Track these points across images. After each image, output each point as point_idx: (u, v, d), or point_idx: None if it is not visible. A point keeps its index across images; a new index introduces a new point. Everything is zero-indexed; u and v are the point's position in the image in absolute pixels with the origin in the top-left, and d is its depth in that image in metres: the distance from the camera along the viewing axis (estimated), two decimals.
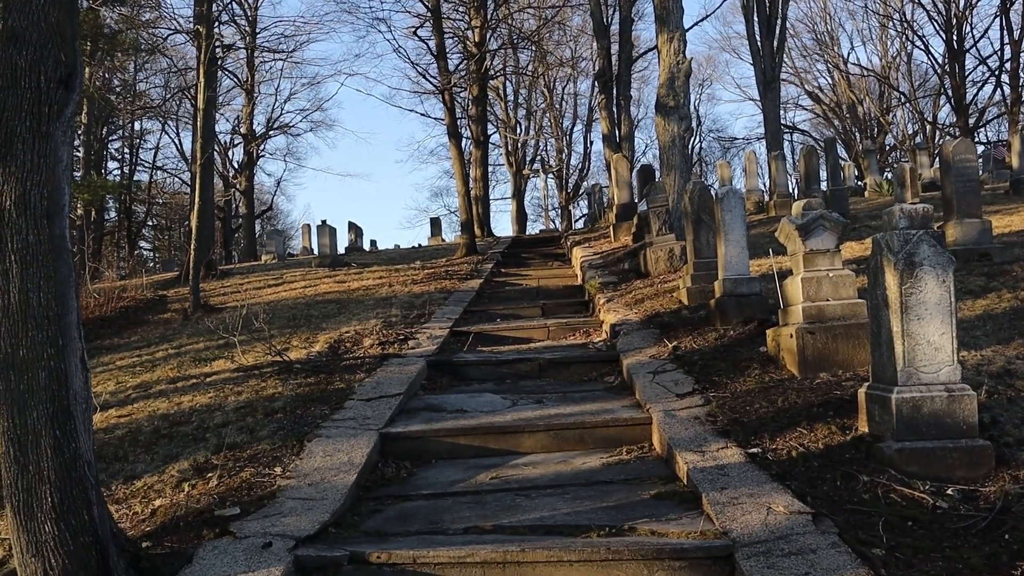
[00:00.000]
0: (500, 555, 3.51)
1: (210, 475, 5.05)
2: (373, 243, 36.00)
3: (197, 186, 15.31)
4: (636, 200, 17.55)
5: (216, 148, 42.44)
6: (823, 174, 21.06)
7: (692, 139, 13.12)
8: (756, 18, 29.72)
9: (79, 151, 30.09)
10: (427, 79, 22.79)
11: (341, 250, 29.87)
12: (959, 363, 4.56)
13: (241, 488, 4.76)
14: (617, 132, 22.22)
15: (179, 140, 42.37)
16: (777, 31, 30.24)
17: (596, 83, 22.41)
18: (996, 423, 4.80)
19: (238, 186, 40.00)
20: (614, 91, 22.24)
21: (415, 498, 4.72)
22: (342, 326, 10.52)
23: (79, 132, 28.50)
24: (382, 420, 5.88)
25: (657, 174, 15.42)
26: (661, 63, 13.74)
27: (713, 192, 8.38)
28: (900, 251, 4.54)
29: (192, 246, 15.15)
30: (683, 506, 4.24)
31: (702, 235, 9.43)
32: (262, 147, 44.25)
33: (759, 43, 29.85)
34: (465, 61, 23.89)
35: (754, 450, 4.73)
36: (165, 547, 3.86)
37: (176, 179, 44.39)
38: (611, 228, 17.21)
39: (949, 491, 4.13)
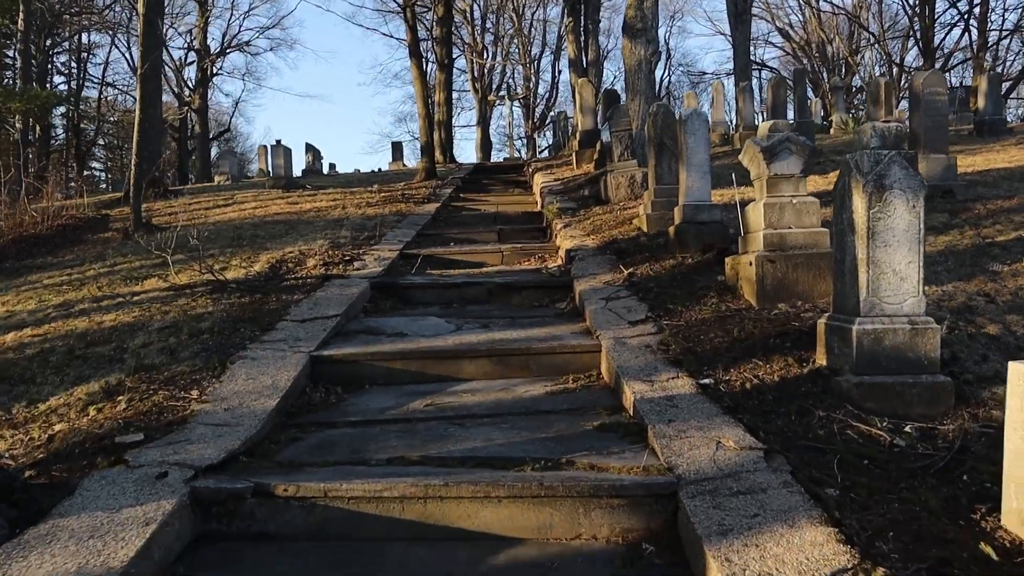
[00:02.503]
0: (421, 489, 3.18)
1: (120, 398, 4.65)
2: (332, 167, 35.12)
3: (138, 98, 14.46)
4: (600, 127, 17.05)
5: (168, 64, 40.84)
6: (791, 109, 20.71)
7: (661, 71, 12.59)
8: None
9: (15, 60, 28.63)
10: None
11: (298, 173, 29.05)
12: (924, 296, 4.28)
13: (151, 413, 4.37)
14: (584, 58, 21.54)
15: (130, 54, 40.51)
16: None
17: (564, 5, 21.59)
18: (956, 359, 4.57)
19: (191, 105, 38.56)
20: (582, 14, 21.48)
21: (340, 425, 4.37)
22: (287, 247, 10.05)
23: (15, 40, 27.06)
24: (315, 342, 5.50)
25: (622, 99, 14.91)
26: None
27: (677, 114, 7.97)
28: (870, 172, 4.20)
29: (133, 162, 14.41)
30: (627, 439, 3.93)
31: (664, 161, 9.04)
32: (219, 65, 42.70)
33: None
34: None
35: (706, 381, 4.43)
36: (53, 477, 3.48)
37: (128, 96, 42.48)
38: (574, 155, 16.75)
39: (907, 428, 3.88)
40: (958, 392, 4.15)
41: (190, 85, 40.21)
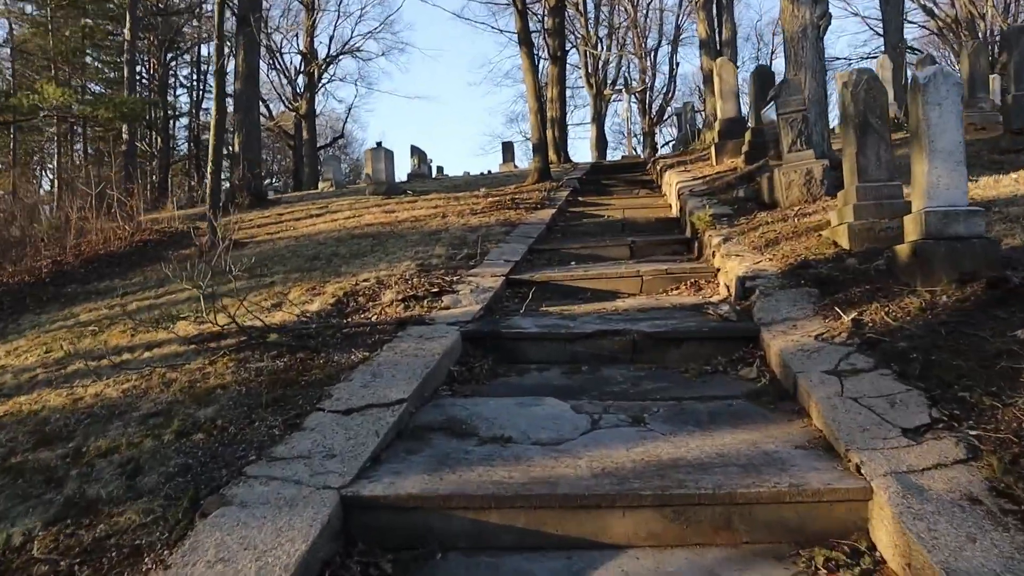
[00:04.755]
0: None
1: None
2: (440, 169, 33.40)
3: (214, 96, 12.76)
4: (743, 115, 14.38)
5: (280, 69, 40.13)
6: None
7: (822, 32, 9.92)
8: None
9: (119, 70, 28.09)
10: None
11: (403, 176, 27.36)
12: None
13: None
14: (718, 37, 18.79)
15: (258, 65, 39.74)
16: None
17: None
18: None
19: (299, 110, 37.57)
20: None
21: None
22: (365, 271, 7.97)
23: (123, 48, 26.34)
24: (357, 463, 3.26)
25: (777, 78, 12.26)
26: None
27: (913, 76, 5.36)
28: None
29: (209, 170, 12.74)
30: None
31: (870, 148, 6.42)
32: (332, 72, 41.72)
33: None
34: None
35: None
36: None
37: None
38: (712, 149, 14.12)
39: None
40: None
41: (298, 91, 39.28)
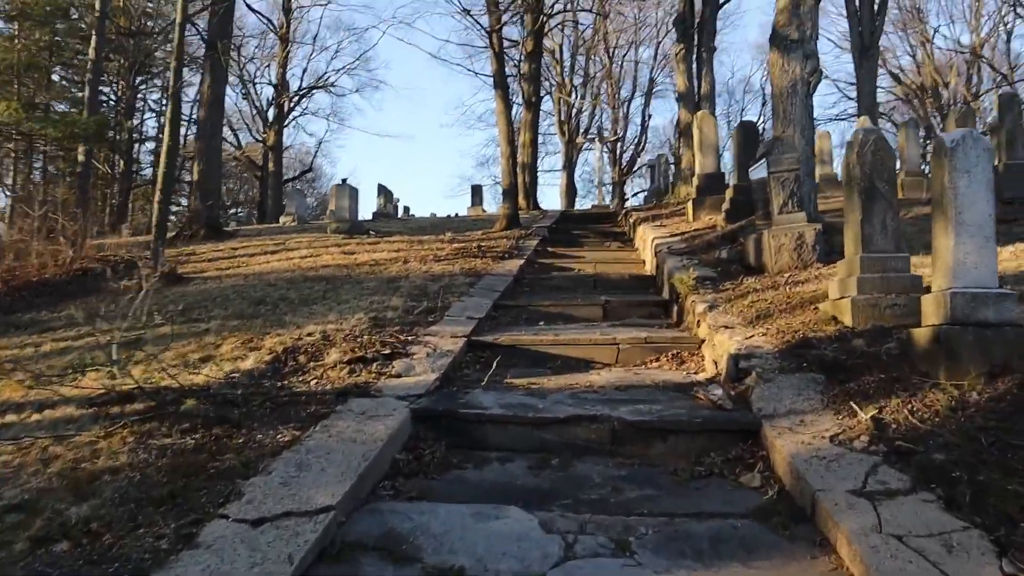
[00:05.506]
0: None
1: None
2: (406, 209, 32.72)
3: (167, 121, 11.93)
4: (725, 170, 13.90)
5: (251, 99, 39.26)
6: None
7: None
8: None
9: (81, 91, 27.06)
10: (473, 19, 19.06)
11: (368, 215, 26.57)
12: None
13: None
14: (696, 89, 18.42)
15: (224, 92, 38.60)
16: None
17: (676, 30, 18.56)
18: None
19: (266, 142, 36.68)
20: (695, 40, 18.41)
21: None
22: (313, 320, 7.17)
23: (87, 68, 25.38)
24: None
25: (766, 132, 11.78)
26: None
27: (938, 138, 4.73)
28: None
29: (156, 199, 11.88)
30: None
31: (876, 215, 5.82)
32: (305, 105, 40.96)
33: (857, 4, 25.85)
34: (518, 0, 20.10)
35: None
36: None
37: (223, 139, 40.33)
38: (689, 204, 13.57)
39: None
40: None
41: (268, 122, 38.39)
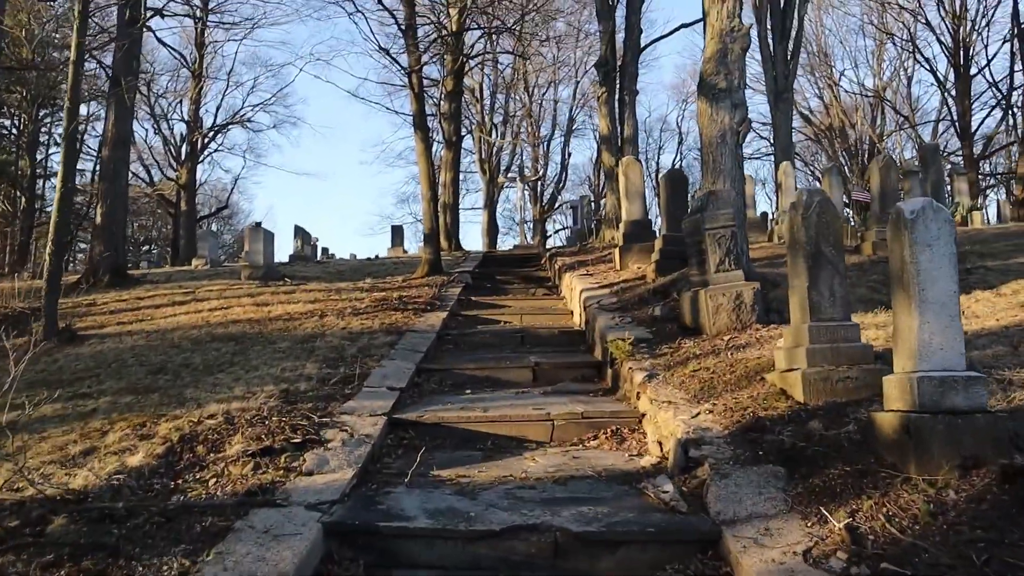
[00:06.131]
0: None
1: None
2: (325, 251, 31.81)
3: (61, 162, 11.02)
4: (652, 216, 13.66)
5: (164, 135, 37.71)
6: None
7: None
8: (769, 20, 26.28)
9: None
10: (392, 59, 18.57)
11: (285, 257, 25.64)
12: None
13: None
14: (619, 133, 18.30)
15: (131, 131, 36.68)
16: (793, 33, 26.84)
17: (598, 72, 18.44)
18: None
19: (178, 180, 35.27)
20: (617, 83, 18.31)
21: None
22: (217, 395, 6.51)
23: None
24: None
25: (695, 183, 11.57)
26: (709, 29, 9.89)
27: (896, 209, 4.39)
28: None
29: (48, 249, 10.92)
30: None
31: (823, 281, 5.51)
32: (220, 140, 39.64)
33: (772, 48, 26.43)
34: (437, 41, 19.72)
35: None
36: None
37: (136, 176, 38.40)
38: (616, 252, 13.27)
39: None
40: None
41: (179, 159, 36.91)
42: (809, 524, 3.65)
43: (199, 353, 8.67)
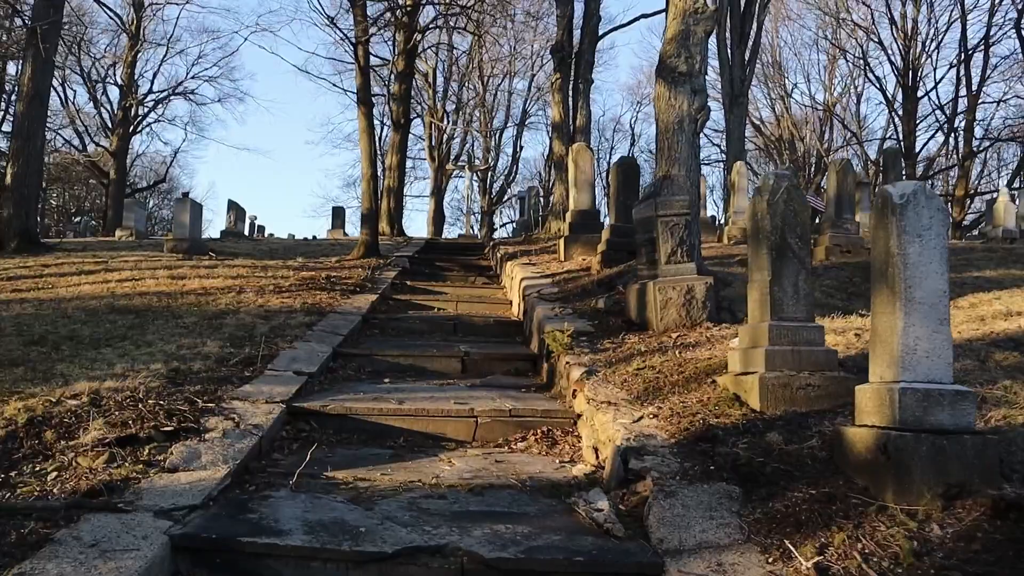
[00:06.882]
0: None
1: None
2: (261, 229, 30.63)
3: None
4: (600, 206, 13.02)
5: (96, 101, 35.85)
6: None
7: (700, 127, 8.59)
8: (728, 23, 25.95)
9: None
10: (337, 28, 17.61)
11: (215, 233, 24.50)
12: None
13: None
14: (571, 121, 17.65)
15: (63, 89, 34.69)
16: (751, 39, 26.59)
17: (553, 59, 17.76)
18: None
19: (108, 147, 33.56)
20: (572, 70, 17.65)
21: None
22: (93, 371, 5.64)
23: None
24: None
25: (646, 173, 10.95)
26: (672, 8, 9.26)
27: (882, 191, 3.77)
28: None
29: None
30: None
31: (786, 276, 4.90)
32: (160, 111, 37.82)
33: (729, 52, 26.11)
34: (388, 15, 18.77)
35: None
36: None
37: (57, 134, 36.28)
38: (561, 242, 12.61)
39: None
40: None
41: (112, 126, 35.07)
42: (771, 560, 3.00)
43: (90, 325, 7.75)
